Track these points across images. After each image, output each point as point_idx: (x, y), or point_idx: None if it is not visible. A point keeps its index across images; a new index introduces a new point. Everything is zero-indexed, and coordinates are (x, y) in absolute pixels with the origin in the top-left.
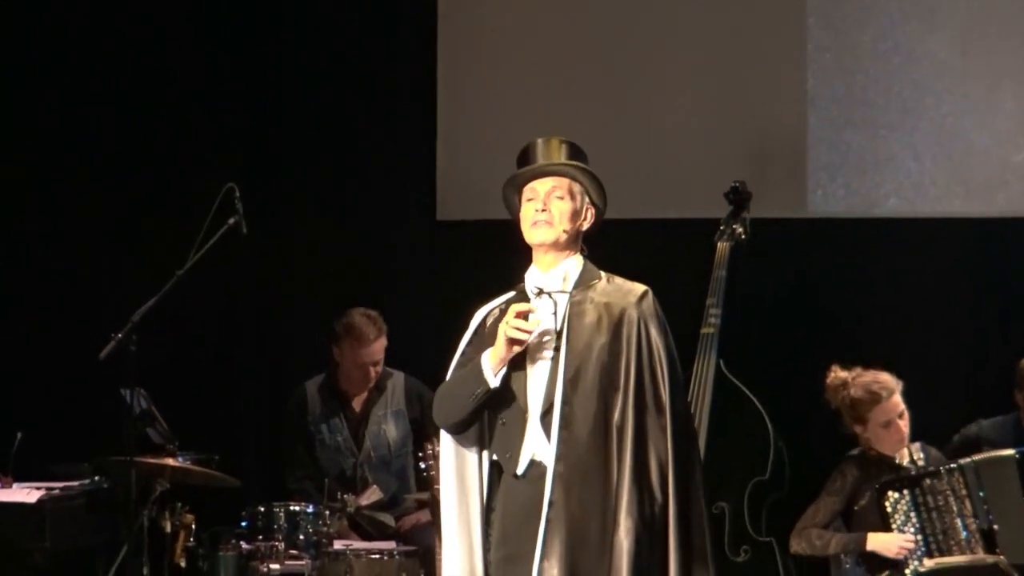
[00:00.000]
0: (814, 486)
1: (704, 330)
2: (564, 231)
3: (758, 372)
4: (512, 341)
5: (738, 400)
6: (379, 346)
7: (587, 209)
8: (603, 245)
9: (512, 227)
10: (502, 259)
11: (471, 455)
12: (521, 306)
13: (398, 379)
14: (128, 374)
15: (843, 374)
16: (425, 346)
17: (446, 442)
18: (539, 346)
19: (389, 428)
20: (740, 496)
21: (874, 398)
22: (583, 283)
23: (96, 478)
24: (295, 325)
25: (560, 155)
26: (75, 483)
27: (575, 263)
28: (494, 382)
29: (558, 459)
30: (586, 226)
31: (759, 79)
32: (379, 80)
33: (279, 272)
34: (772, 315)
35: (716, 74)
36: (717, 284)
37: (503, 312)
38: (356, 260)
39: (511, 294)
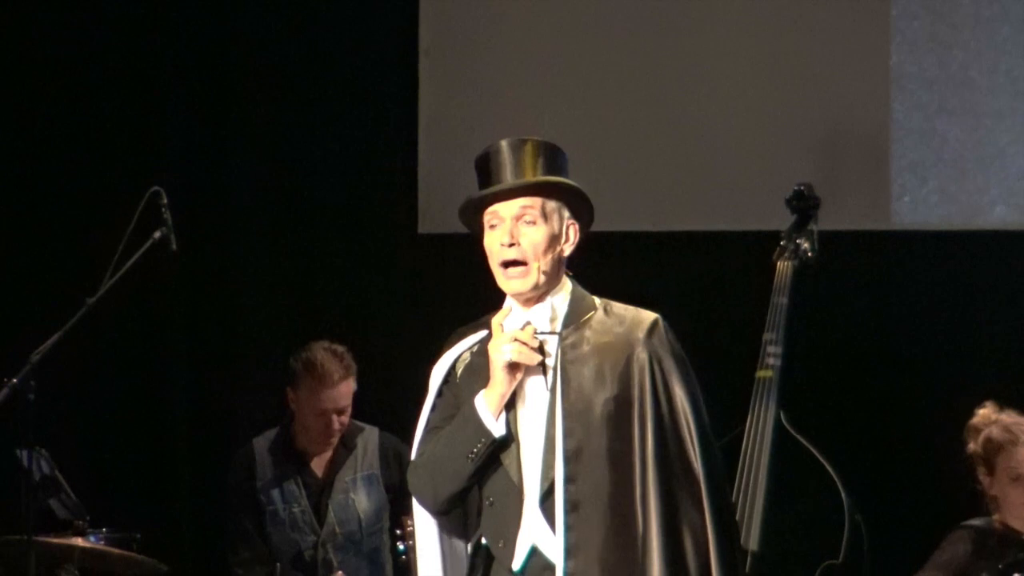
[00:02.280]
0: (900, 572)
1: (760, 373)
2: (543, 271)
3: (829, 426)
4: (514, 366)
5: (803, 462)
6: (345, 389)
7: (567, 228)
8: (634, 262)
9: None
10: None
11: (457, 543)
12: (521, 328)
13: (371, 435)
14: (25, 430)
15: (992, 413)
16: (405, 390)
17: (426, 527)
18: (527, 403)
19: (359, 497)
20: None
21: (1009, 439)
22: (575, 319)
23: None
24: (242, 367)
25: (529, 166)
26: None
27: (562, 296)
28: (498, 429)
29: (569, 554)
30: (568, 250)
31: (829, 56)
32: (354, 77)
33: (221, 299)
34: (846, 353)
35: (774, 51)
36: (777, 314)
37: (476, 354)
38: (321, 283)
39: (480, 334)
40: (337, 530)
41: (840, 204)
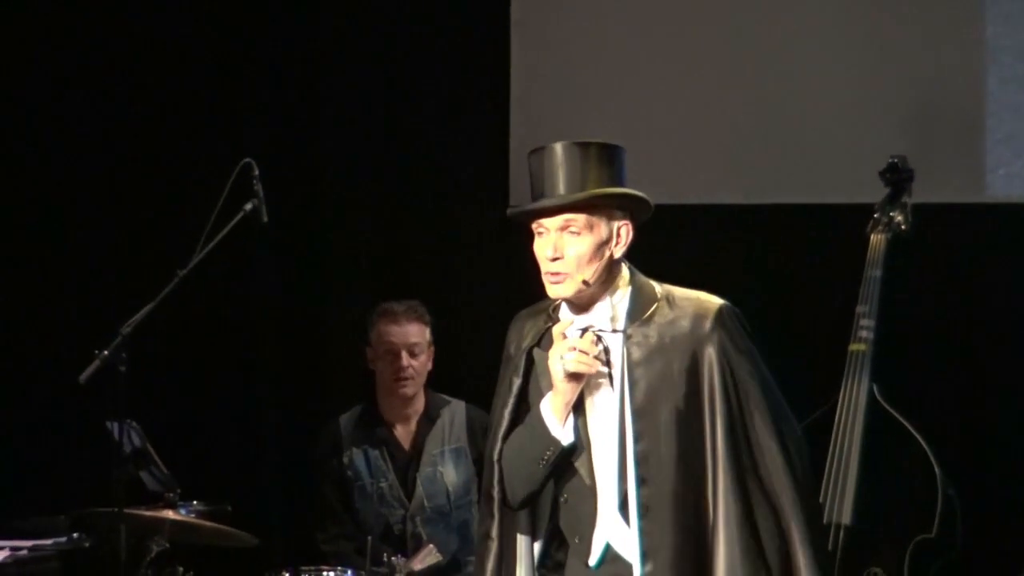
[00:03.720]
0: (994, 547)
1: (853, 346)
2: (585, 281)
3: (922, 400)
4: (575, 376)
5: (897, 436)
6: (414, 329)
7: (618, 230)
8: (727, 235)
9: None
10: None
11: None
12: (580, 335)
13: (457, 408)
14: (116, 402)
15: None
16: (493, 366)
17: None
18: (595, 405)
19: (447, 470)
20: (899, 559)
21: None
22: (638, 315)
23: (75, 535)
24: (330, 342)
25: (577, 177)
26: (48, 541)
27: (621, 292)
28: (567, 436)
29: (645, 557)
30: (620, 251)
31: (923, 27)
32: (445, 50)
33: (311, 273)
34: (940, 327)
35: (867, 23)
36: (870, 287)
37: (540, 342)
38: (410, 259)
39: (541, 324)
40: (425, 503)
41: (934, 177)
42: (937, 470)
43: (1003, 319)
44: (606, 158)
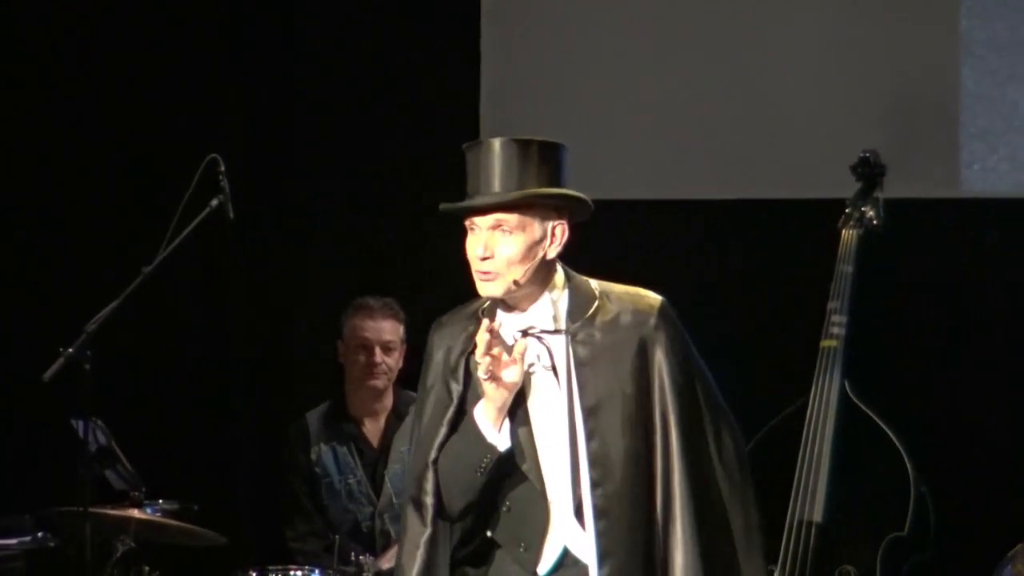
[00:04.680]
0: (968, 545)
1: (825, 343)
2: (515, 281)
3: (895, 397)
4: (501, 382)
5: (868, 432)
6: (388, 325)
7: (553, 229)
8: (700, 230)
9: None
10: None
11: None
12: (481, 333)
13: None
14: (81, 401)
15: None
16: None
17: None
18: (542, 407)
19: None
20: (871, 557)
21: None
22: (579, 313)
23: (40, 534)
24: (299, 339)
25: (513, 175)
26: (13, 541)
27: (560, 292)
28: (503, 442)
29: (602, 560)
30: (554, 251)
31: (897, 21)
32: (416, 43)
33: (280, 270)
34: (912, 323)
35: (840, 17)
36: (842, 283)
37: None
38: (383, 253)
39: (471, 318)
40: (394, 500)
41: (908, 172)
42: (909, 467)
43: (977, 315)
44: (544, 157)
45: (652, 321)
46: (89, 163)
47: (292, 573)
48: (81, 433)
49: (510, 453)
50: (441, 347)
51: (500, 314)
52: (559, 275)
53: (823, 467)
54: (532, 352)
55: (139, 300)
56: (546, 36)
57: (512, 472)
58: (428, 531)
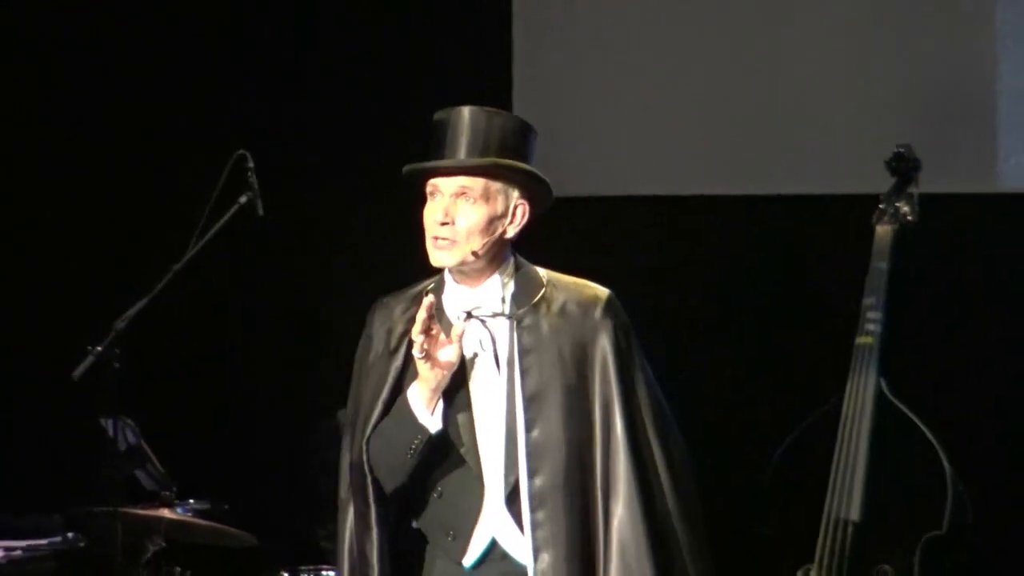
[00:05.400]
0: (1007, 544)
1: (860, 340)
2: (473, 252)
3: (931, 394)
4: (436, 362)
5: (904, 430)
6: None
7: (515, 208)
8: (735, 225)
9: (604, 205)
10: (590, 242)
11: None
12: (420, 312)
13: None
14: (110, 399)
15: None
16: None
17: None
18: (484, 391)
19: None
20: (909, 556)
21: None
22: (525, 299)
23: (70, 535)
24: (328, 337)
25: (481, 143)
26: (43, 541)
27: (509, 276)
28: (434, 424)
29: (538, 552)
30: (513, 231)
31: (933, 13)
32: (446, 38)
33: (308, 268)
34: (949, 320)
35: (875, 9)
36: (877, 280)
37: (409, 326)
38: (411, 251)
39: (415, 298)
40: None
41: (944, 166)
42: (947, 465)
43: (1013, 311)
44: (514, 132)
45: (597, 313)
46: (118, 159)
47: (324, 573)
48: (111, 432)
49: (447, 436)
50: (382, 327)
51: (447, 291)
52: (510, 259)
53: (859, 465)
54: (475, 336)
55: (169, 297)
56: (577, 34)
57: (448, 456)
58: (373, 510)
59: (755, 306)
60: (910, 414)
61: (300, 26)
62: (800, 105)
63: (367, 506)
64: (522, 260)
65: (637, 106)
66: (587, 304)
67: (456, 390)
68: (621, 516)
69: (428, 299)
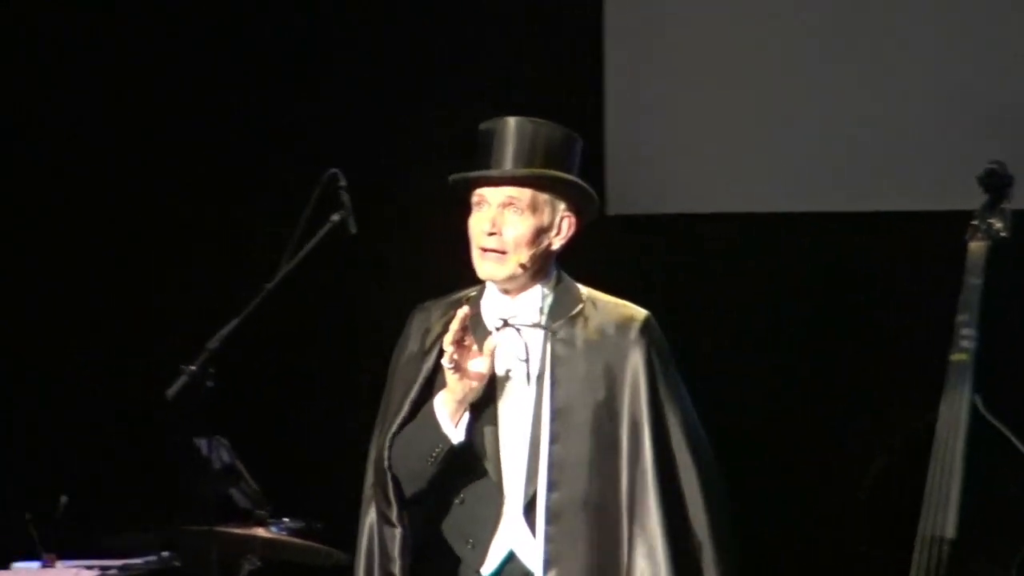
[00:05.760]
0: None
1: (954, 356)
2: (521, 264)
3: None
4: (466, 373)
5: (1000, 447)
6: None
7: (561, 220)
8: (826, 243)
9: (698, 223)
10: (685, 259)
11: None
12: (456, 320)
13: None
14: (204, 419)
15: None
16: None
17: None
18: (512, 401)
19: None
20: (1005, 573)
21: None
22: (562, 313)
23: (165, 554)
24: None
25: (528, 153)
26: (137, 560)
27: (549, 288)
28: (456, 435)
29: (549, 565)
30: (559, 243)
31: (1019, 24)
32: (538, 54)
33: (404, 284)
34: None
35: (959, 22)
36: (970, 296)
37: (445, 329)
38: None
39: (454, 305)
40: None
41: None
42: None
43: None
44: (561, 142)
45: (633, 333)
46: (212, 178)
47: None
48: (205, 451)
49: (472, 444)
50: (419, 329)
51: (486, 298)
52: (553, 273)
53: (954, 482)
54: (510, 345)
55: (262, 316)
56: (669, 51)
57: (472, 464)
58: (395, 507)
59: (849, 322)
60: (1005, 430)
61: (391, 47)
62: (893, 123)
63: (388, 503)
64: (564, 275)
65: (729, 124)
66: (623, 323)
67: (485, 399)
68: (645, 542)
69: (463, 310)
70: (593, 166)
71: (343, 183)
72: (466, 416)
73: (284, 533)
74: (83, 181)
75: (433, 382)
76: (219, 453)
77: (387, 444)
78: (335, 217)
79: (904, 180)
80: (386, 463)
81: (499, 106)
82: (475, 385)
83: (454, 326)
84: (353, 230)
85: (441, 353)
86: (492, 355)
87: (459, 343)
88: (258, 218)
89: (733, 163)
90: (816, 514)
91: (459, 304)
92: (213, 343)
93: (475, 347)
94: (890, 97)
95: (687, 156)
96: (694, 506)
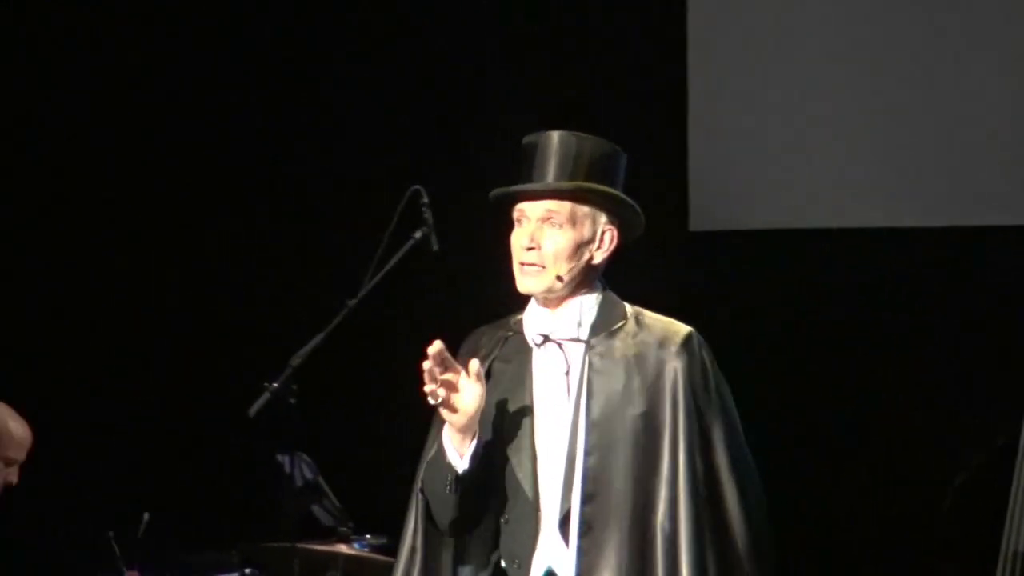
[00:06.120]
0: None
1: None
2: (558, 277)
3: None
4: (448, 406)
5: None
6: None
7: (603, 234)
8: (935, 258)
9: (780, 239)
10: (768, 276)
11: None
12: (430, 357)
13: None
14: (287, 435)
15: None
16: None
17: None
18: (549, 414)
19: None
20: None
21: None
22: (604, 327)
23: (248, 570)
24: None
25: (569, 167)
26: None
27: (592, 300)
28: (462, 464)
29: None
30: (600, 257)
31: None
32: (621, 71)
33: (484, 300)
34: None
35: None
36: None
37: (499, 352)
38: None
39: (502, 327)
40: None
41: None
42: None
43: None
44: (604, 156)
45: (674, 348)
46: (291, 197)
47: None
48: (288, 468)
49: (509, 461)
50: (467, 353)
51: (527, 312)
52: (596, 286)
53: None
54: (550, 359)
55: (344, 333)
56: (752, 62)
57: (512, 482)
58: (413, 527)
59: (939, 336)
60: None
61: (476, 73)
62: (976, 136)
63: (411, 524)
64: (610, 291)
65: (813, 136)
66: (665, 339)
67: (522, 414)
68: (673, 562)
69: (434, 347)
70: (676, 182)
71: (425, 200)
72: (473, 445)
73: (366, 550)
74: (171, 202)
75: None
76: (301, 469)
77: (422, 467)
78: (417, 234)
79: (987, 194)
80: (418, 485)
81: (581, 125)
82: (472, 414)
83: (426, 365)
84: (436, 247)
85: (489, 376)
86: (480, 378)
87: (433, 379)
88: (340, 234)
89: (815, 178)
90: (894, 529)
91: (507, 327)
92: (296, 359)
93: (465, 375)
94: (974, 112)
95: (769, 172)
96: (732, 524)
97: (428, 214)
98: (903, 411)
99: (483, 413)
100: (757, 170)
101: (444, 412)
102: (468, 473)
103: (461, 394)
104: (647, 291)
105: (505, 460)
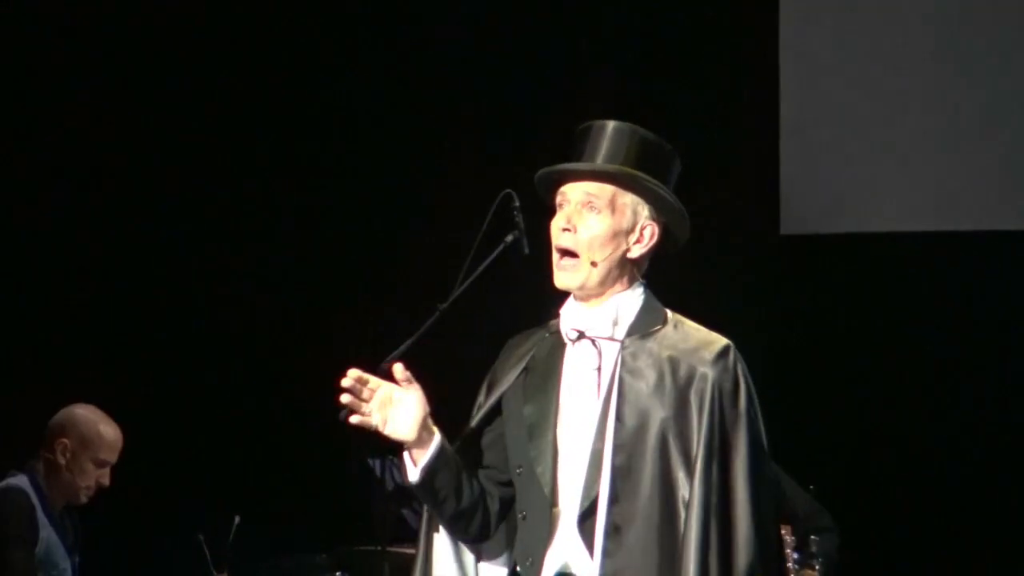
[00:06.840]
0: None
1: None
2: (592, 263)
3: None
4: (384, 423)
5: None
6: None
7: (643, 227)
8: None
9: (868, 242)
10: (859, 280)
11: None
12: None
13: None
14: (378, 439)
15: None
16: (768, 391)
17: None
18: (576, 412)
19: None
20: None
21: None
22: (641, 328)
23: (337, 574)
24: None
25: (615, 152)
26: None
27: (631, 299)
28: (412, 474)
29: None
30: (639, 251)
31: None
32: (713, 76)
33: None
34: None
35: None
36: None
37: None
38: (687, 285)
39: (540, 330)
40: None
41: None
42: None
43: None
44: (657, 151)
45: (708, 356)
46: (381, 203)
47: None
48: (378, 472)
49: (528, 458)
50: (503, 360)
51: (564, 307)
52: (637, 288)
53: None
54: (583, 358)
55: (434, 338)
56: (844, 66)
57: (531, 479)
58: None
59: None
60: None
61: (575, 86)
62: None
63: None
64: (652, 296)
65: (904, 141)
66: (699, 347)
67: (547, 408)
68: (690, 570)
69: (350, 375)
70: (769, 185)
71: (517, 204)
72: (427, 456)
73: None
74: (255, 208)
75: (493, 414)
76: (392, 473)
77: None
78: (509, 238)
79: None
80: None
81: (673, 130)
82: (420, 416)
83: (343, 399)
84: (527, 250)
85: (524, 372)
86: (411, 381)
87: (353, 403)
88: (432, 237)
89: (906, 182)
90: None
91: (546, 328)
92: (384, 365)
93: (395, 389)
94: None
95: (861, 175)
96: (738, 538)
97: (519, 218)
98: (1015, 413)
99: (511, 404)
100: (848, 175)
101: (390, 431)
102: (425, 481)
103: (400, 404)
104: (739, 292)
105: (525, 454)
